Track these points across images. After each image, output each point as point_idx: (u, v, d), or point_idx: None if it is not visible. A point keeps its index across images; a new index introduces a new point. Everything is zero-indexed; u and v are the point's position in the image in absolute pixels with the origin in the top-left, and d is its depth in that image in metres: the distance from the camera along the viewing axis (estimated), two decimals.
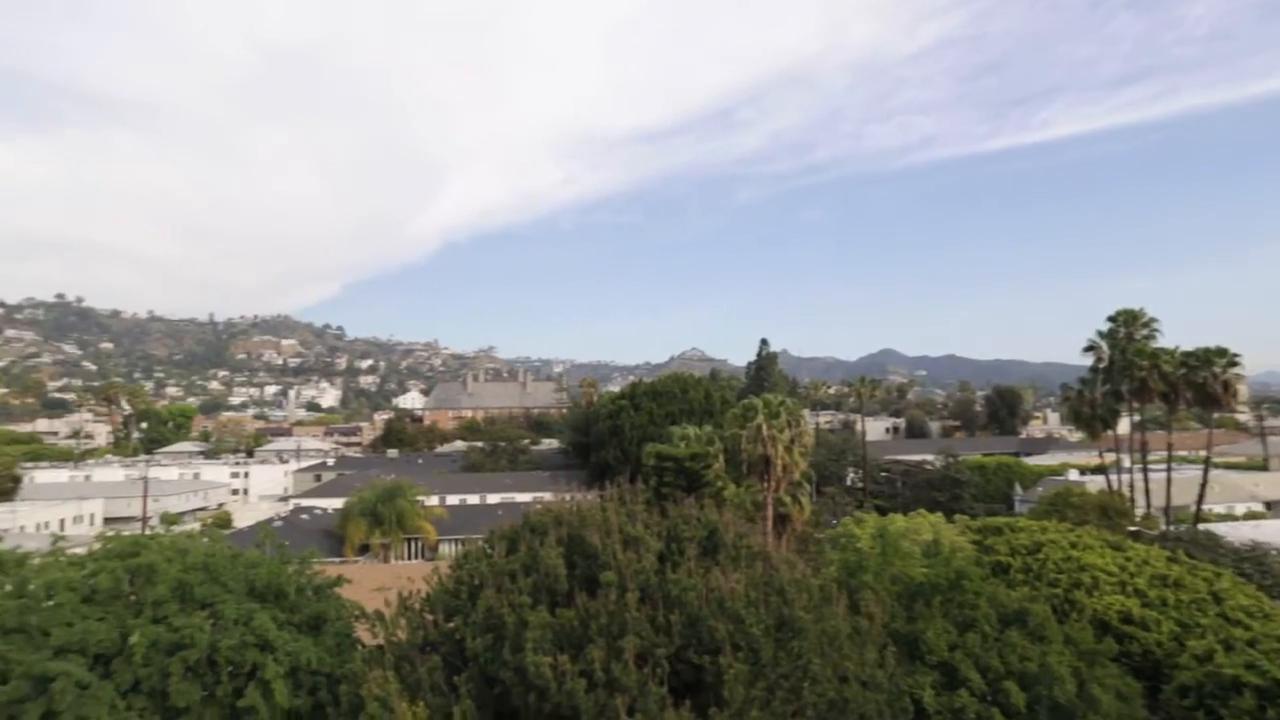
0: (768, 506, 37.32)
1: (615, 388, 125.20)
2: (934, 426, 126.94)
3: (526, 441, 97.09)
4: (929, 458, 70.03)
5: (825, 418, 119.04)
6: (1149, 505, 45.45)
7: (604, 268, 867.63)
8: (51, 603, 11.97)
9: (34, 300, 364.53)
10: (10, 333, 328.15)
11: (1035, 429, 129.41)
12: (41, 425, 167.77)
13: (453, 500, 61.49)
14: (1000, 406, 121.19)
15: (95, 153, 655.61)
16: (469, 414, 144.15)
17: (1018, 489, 61.85)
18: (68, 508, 66.47)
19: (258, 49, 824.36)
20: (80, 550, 14.35)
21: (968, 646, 12.80)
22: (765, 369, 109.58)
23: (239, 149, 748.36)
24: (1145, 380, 45.41)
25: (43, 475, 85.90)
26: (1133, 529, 34.31)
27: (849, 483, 66.49)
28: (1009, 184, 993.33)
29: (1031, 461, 74.40)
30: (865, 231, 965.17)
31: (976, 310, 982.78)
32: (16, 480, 74.25)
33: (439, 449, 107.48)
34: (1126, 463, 48.83)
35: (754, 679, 9.57)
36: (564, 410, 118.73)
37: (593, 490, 14.50)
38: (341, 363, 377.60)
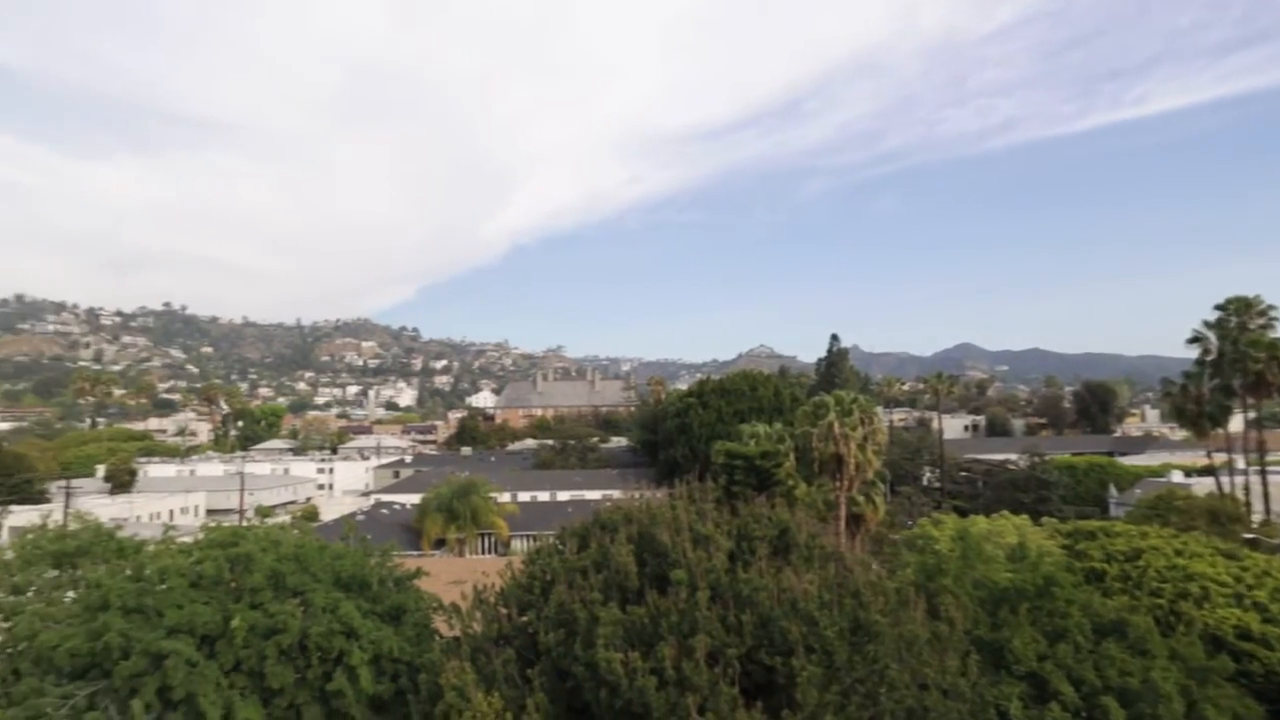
0: (840, 506, 36.46)
1: (683, 385, 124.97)
2: (1017, 424, 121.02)
3: (595, 440, 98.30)
4: (1012, 457, 66.80)
5: (899, 415, 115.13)
6: (1268, 511, 41.89)
7: (670, 266, 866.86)
8: (164, 586, 12.88)
9: (145, 309, 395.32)
10: (126, 339, 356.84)
11: (1131, 427, 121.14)
12: (153, 423, 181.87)
13: (524, 497, 62.87)
14: (1091, 403, 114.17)
15: (195, 172, 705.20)
16: (539, 412, 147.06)
17: (1112, 491, 58.19)
18: (176, 499, 71.64)
19: (337, 68, 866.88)
20: (187, 539, 15.40)
21: (1059, 657, 12.09)
22: (836, 365, 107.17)
23: (322, 163, 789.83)
24: (1262, 373, 41.90)
25: (155, 469, 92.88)
26: (1248, 536, 31.63)
27: (925, 482, 64.22)
28: (1099, 165, 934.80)
29: (1127, 462, 69.77)
30: (941, 221, 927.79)
31: (1064, 301, 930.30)
32: (133, 474, 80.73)
33: (510, 447, 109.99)
34: (1241, 464, 45.14)
35: (828, 682, 9.35)
36: (632, 408, 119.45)
37: (662, 488, 14.51)
38: (417, 363, 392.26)
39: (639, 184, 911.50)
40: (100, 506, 51.95)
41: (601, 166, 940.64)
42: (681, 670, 9.09)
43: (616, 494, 15.61)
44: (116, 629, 11.60)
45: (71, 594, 14.09)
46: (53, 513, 35.49)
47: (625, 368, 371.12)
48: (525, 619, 11.44)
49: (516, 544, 48.14)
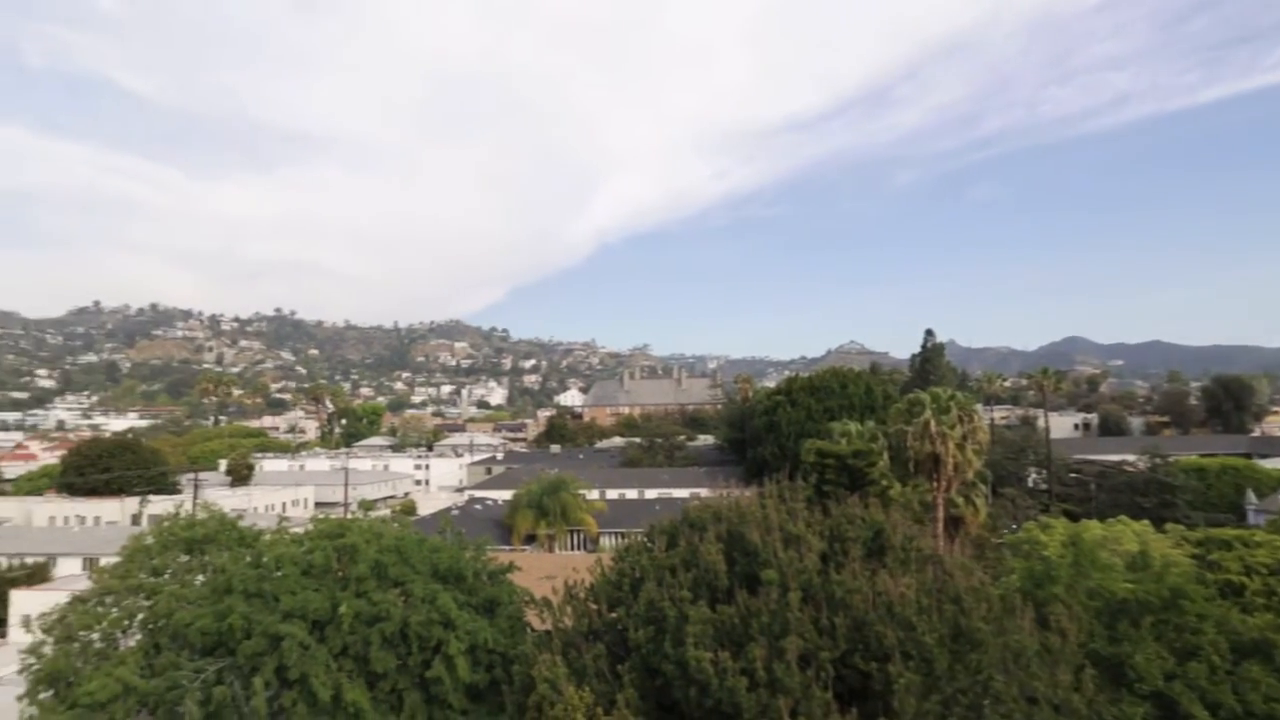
0: (938, 508, 34.84)
1: (771, 383, 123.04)
2: (1135, 423, 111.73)
3: (682, 438, 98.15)
4: (1129, 457, 61.89)
5: (1001, 413, 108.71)
6: None
7: (757, 261, 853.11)
8: (279, 573, 13.85)
9: (260, 315, 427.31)
10: (243, 343, 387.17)
11: (1272, 426, 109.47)
12: (267, 421, 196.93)
13: (612, 495, 63.57)
14: (1223, 399, 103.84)
15: (302, 185, 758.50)
16: (626, 411, 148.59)
17: (1251, 497, 52.77)
18: (288, 493, 76.92)
19: (427, 80, 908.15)
20: (299, 529, 16.48)
21: (1190, 677, 11.06)
22: (931, 361, 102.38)
23: (415, 171, 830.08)
24: None
25: (269, 464, 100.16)
26: None
27: (1031, 484, 60.46)
28: (1228, 139, 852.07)
29: (1269, 465, 63.06)
30: (1044, 208, 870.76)
31: (1187, 289, 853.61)
32: (251, 468, 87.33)
33: (598, 445, 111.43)
34: None
35: (927, 691, 8.94)
36: (719, 406, 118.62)
37: (750, 487, 14.30)
38: (507, 363, 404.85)
39: (724, 179, 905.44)
40: (223, 498, 56.50)
41: (685, 163, 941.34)
42: (773, 672, 8.92)
43: (704, 492, 15.53)
44: (239, 611, 12.57)
45: (201, 577, 15.36)
46: (183, 503, 38.90)
47: (711, 365, 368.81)
48: (615, 615, 11.54)
49: (605, 541, 48.76)
